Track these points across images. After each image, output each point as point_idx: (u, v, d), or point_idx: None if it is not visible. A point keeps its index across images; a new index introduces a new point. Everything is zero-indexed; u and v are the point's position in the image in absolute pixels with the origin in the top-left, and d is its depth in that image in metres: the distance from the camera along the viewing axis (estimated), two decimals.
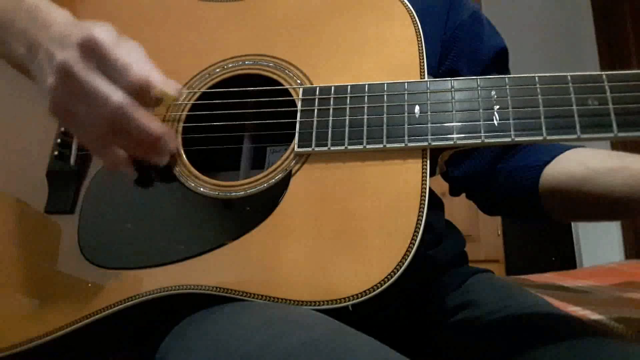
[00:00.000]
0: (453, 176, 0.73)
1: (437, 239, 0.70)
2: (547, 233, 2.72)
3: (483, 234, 2.66)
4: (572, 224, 2.68)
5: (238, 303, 0.47)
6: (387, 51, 0.56)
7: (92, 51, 0.47)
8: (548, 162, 0.65)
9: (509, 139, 0.48)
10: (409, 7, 0.58)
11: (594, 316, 0.78)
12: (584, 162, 0.63)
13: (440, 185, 0.75)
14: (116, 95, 0.47)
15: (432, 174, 0.53)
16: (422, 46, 0.55)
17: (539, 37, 3.17)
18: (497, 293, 0.64)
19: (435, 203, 0.73)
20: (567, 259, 2.65)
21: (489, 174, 0.70)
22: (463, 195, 0.77)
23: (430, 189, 0.50)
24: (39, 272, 0.54)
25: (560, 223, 0.71)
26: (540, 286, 1.13)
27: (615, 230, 2.93)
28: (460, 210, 2.11)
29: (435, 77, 0.54)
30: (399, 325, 0.62)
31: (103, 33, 0.48)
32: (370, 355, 0.37)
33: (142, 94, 0.49)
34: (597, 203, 0.61)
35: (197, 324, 0.48)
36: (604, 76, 0.48)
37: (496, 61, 0.72)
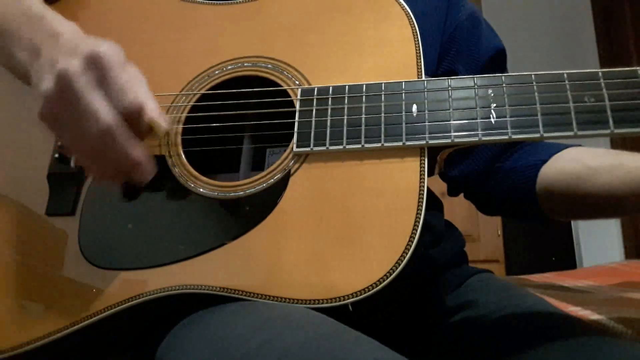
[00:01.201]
0: (451, 176, 0.73)
1: (437, 239, 0.70)
2: (547, 233, 2.72)
3: (483, 234, 2.66)
4: (572, 224, 2.68)
5: (237, 303, 0.48)
6: (384, 52, 0.57)
7: (95, 66, 0.47)
8: (545, 160, 0.66)
9: (506, 137, 0.48)
10: (405, 8, 0.59)
11: (594, 316, 0.77)
12: (581, 160, 0.63)
13: (440, 185, 0.76)
14: (107, 115, 0.47)
15: (430, 174, 0.53)
16: (419, 46, 0.56)
17: (539, 38, 3.18)
18: (496, 293, 0.64)
19: (434, 203, 0.73)
20: (567, 259, 2.65)
21: (487, 173, 0.70)
22: (462, 195, 0.77)
23: (429, 189, 0.50)
24: (39, 273, 0.55)
25: (559, 222, 0.72)
26: (540, 286, 1.13)
27: (615, 230, 2.93)
28: (460, 210, 2.11)
29: (433, 77, 0.55)
30: (398, 325, 0.62)
31: (111, 51, 0.48)
32: (368, 355, 0.37)
33: (134, 119, 0.48)
34: (594, 201, 0.61)
35: (196, 324, 0.48)
36: (600, 73, 0.49)
37: (494, 62, 0.73)
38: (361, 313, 0.47)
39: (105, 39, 0.50)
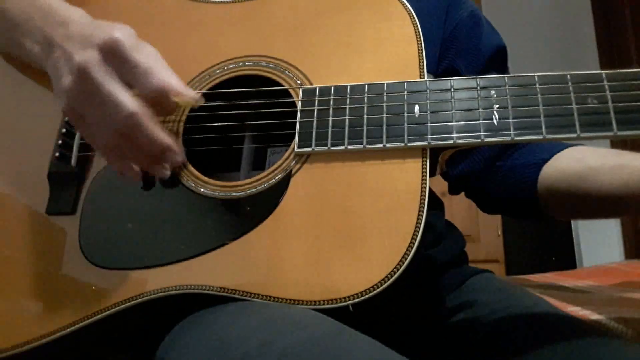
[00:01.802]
0: (452, 175, 0.73)
1: (437, 239, 0.70)
2: (547, 233, 2.72)
3: (483, 234, 2.67)
4: (572, 223, 2.68)
5: (237, 303, 0.48)
6: (386, 51, 0.57)
7: (113, 54, 0.47)
8: (547, 159, 0.65)
9: (508, 138, 0.48)
10: (408, 7, 0.58)
11: (594, 316, 0.77)
12: (582, 159, 0.63)
13: (441, 185, 0.75)
14: (130, 102, 0.47)
15: (432, 174, 0.53)
16: (421, 46, 0.55)
17: (539, 37, 3.17)
18: (497, 293, 0.64)
19: (435, 203, 0.73)
20: (567, 259, 2.65)
21: (488, 172, 0.70)
22: (463, 195, 0.77)
23: (430, 189, 0.50)
24: (39, 273, 0.54)
25: (560, 221, 0.72)
26: (540, 286, 1.13)
27: (615, 230, 2.93)
28: (460, 210, 2.11)
29: (434, 76, 0.55)
30: (399, 325, 0.62)
31: (125, 36, 0.48)
32: (367, 354, 0.37)
33: (161, 100, 0.49)
34: (595, 201, 0.61)
35: (197, 323, 0.48)
36: (603, 75, 0.49)
37: (495, 59, 0.72)
38: (361, 314, 0.47)
39: (115, 22, 0.50)
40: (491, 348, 0.54)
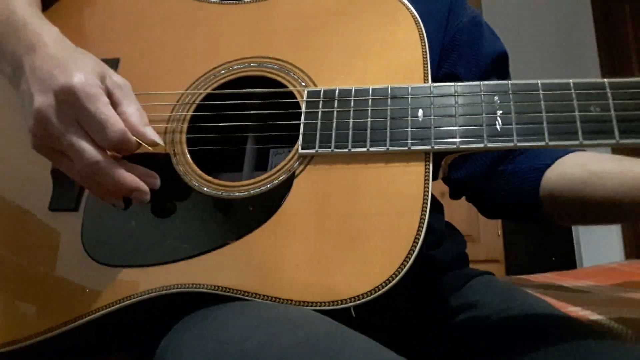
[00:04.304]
0: (453, 178, 0.73)
1: (438, 241, 0.70)
2: (547, 233, 2.72)
3: (483, 234, 2.67)
4: None
5: (237, 303, 0.48)
6: (391, 55, 0.57)
7: (68, 102, 0.47)
8: (549, 165, 0.65)
9: (511, 144, 0.49)
10: (413, 12, 0.58)
11: (594, 316, 0.77)
12: (584, 165, 0.63)
13: (440, 185, 0.76)
14: (89, 152, 0.47)
15: (434, 178, 0.53)
16: (426, 51, 0.56)
17: (539, 39, 3.18)
18: (497, 295, 0.64)
19: (435, 205, 0.73)
20: (567, 259, 2.65)
21: (489, 176, 0.70)
22: (464, 198, 0.77)
23: None
24: (42, 269, 0.55)
25: (561, 226, 0.72)
26: (540, 286, 1.13)
27: (615, 230, 2.94)
28: (460, 211, 2.11)
29: (434, 81, 0.55)
30: (399, 326, 0.62)
31: (82, 82, 0.47)
32: (366, 355, 0.37)
33: (121, 147, 0.49)
34: (597, 206, 0.61)
35: (196, 323, 0.48)
36: (606, 83, 0.49)
37: (496, 65, 0.72)
38: (363, 315, 0.47)
39: (85, 57, 0.50)
40: (492, 349, 0.54)
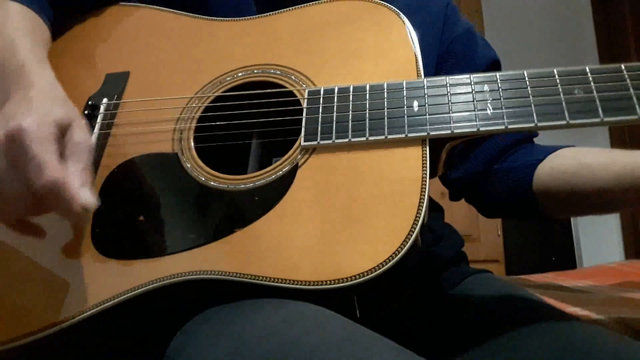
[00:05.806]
0: (451, 179, 0.75)
1: (437, 238, 0.72)
2: (547, 233, 2.71)
3: (483, 234, 2.66)
4: (572, 223, 2.67)
5: (251, 300, 0.48)
6: (385, 56, 0.61)
7: (14, 144, 0.48)
8: (541, 160, 0.68)
9: (502, 127, 0.52)
10: (403, 18, 0.63)
11: (594, 316, 0.78)
12: (575, 157, 0.65)
13: (440, 187, 0.78)
14: (19, 201, 0.49)
15: (433, 175, 0.56)
16: (417, 51, 0.60)
17: (538, 31, 3.19)
18: (496, 293, 0.65)
19: (434, 207, 0.75)
20: (567, 259, 2.64)
21: (486, 175, 0.73)
22: (464, 199, 0.79)
23: (428, 195, 0.52)
24: (50, 264, 0.56)
25: (559, 220, 0.74)
26: (540, 286, 1.13)
27: (615, 230, 2.93)
28: (460, 211, 2.11)
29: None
30: (398, 325, 0.63)
31: (37, 124, 0.48)
32: (392, 357, 0.38)
33: (53, 195, 0.48)
34: (589, 196, 0.63)
35: (211, 322, 0.47)
36: (587, 69, 0.52)
37: (490, 71, 0.76)
38: (366, 310, 0.48)
39: (57, 107, 0.52)
40: (490, 348, 0.54)
